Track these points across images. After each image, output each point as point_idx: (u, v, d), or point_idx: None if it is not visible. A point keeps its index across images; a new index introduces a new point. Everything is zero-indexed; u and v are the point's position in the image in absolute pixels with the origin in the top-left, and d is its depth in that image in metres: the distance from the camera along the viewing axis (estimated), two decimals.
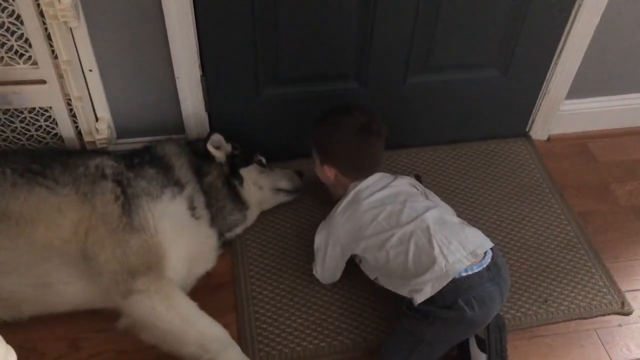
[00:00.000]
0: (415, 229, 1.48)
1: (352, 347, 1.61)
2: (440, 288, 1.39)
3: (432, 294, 1.40)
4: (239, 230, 1.83)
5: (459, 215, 1.72)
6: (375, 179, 1.64)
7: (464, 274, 1.41)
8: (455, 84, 2.00)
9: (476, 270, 1.42)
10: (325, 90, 1.90)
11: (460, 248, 1.44)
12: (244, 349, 1.54)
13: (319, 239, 1.67)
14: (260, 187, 1.84)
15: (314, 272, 1.71)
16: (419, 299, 1.41)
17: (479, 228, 1.69)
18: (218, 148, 1.79)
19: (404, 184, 1.65)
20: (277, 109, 1.93)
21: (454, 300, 1.39)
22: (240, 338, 1.60)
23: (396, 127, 2.00)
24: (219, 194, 1.74)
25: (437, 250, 1.43)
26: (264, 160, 1.89)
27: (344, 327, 1.65)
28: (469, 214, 1.94)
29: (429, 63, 1.91)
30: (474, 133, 2.17)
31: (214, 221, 1.72)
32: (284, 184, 1.90)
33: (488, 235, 1.56)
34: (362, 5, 1.72)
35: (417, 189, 1.68)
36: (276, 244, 1.85)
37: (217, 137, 1.78)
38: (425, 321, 1.42)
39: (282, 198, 1.92)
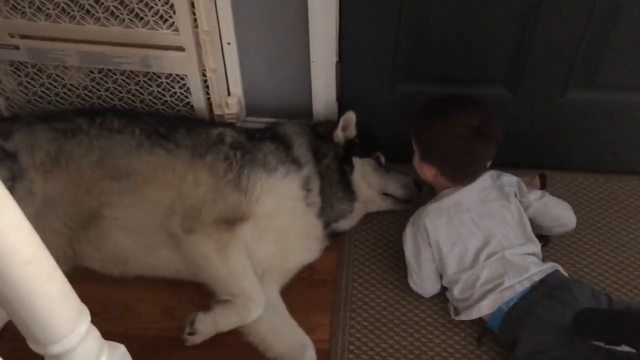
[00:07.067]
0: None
1: None
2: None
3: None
4: (345, 225, 1.75)
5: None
6: (476, 190, 1.55)
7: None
8: (623, 106, 1.77)
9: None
10: (468, 94, 1.69)
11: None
12: (333, 356, 1.49)
13: (408, 243, 1.58)
14: (369, 185, 1.76)
15: (410, 285, 1.62)
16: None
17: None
18: (345, 129, 1.74)
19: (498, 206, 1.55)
20: (409, 106, 1.77)
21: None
22: (331, 342, 1.54)
23: (544, 146, 1.86)
24: (333, 177, 1.70)
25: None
26: (382, 159, 1.80)
27: (445, 356, 1.51)
28: (618, 256, 1.72)
29: (595, 79, 1.71)
30: (633, 165, 1.92)
31: (322, 211, 1.68)
32: (394, 189, 1.78)
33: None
34: (525, 4, 1.57)
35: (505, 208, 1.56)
36: (386, 250, 1.75)
37: (351, 115, 1.73)
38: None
39: (389, 205, 1.80)
